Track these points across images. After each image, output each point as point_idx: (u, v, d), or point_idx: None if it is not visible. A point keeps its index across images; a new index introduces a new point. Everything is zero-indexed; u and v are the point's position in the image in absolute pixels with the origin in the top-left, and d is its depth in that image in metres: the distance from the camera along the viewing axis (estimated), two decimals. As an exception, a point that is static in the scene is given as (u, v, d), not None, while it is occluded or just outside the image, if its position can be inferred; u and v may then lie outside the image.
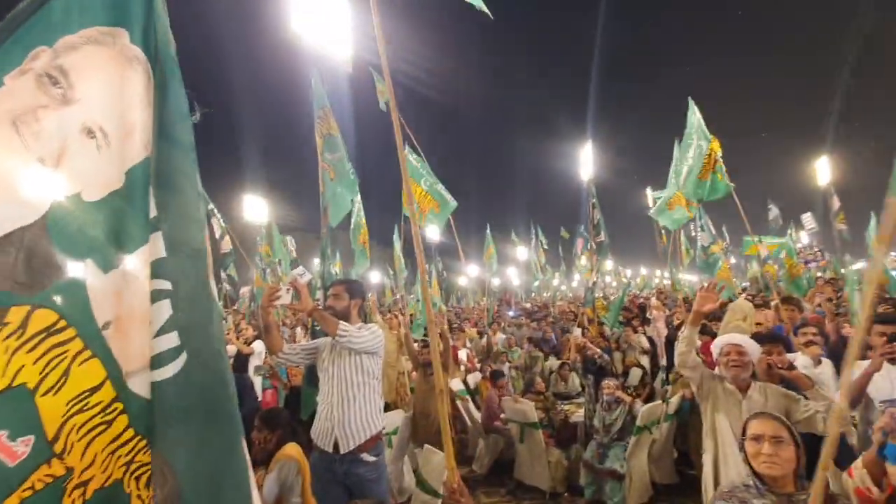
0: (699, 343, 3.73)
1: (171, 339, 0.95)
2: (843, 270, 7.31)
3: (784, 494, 1.68)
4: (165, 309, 0.95)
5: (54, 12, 1.00)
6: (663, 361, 5.96)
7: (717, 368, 2.76)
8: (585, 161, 9.20)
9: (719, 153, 5.30)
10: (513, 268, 23.32)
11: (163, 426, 0.94)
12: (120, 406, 0.98)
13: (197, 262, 1.01)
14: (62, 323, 0.94)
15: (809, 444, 1.89)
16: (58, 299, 0.94)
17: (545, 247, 16.63)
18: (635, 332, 6.58)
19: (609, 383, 4.43)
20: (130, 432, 0.99)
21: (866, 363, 2.69)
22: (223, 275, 8.69)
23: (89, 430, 0.95)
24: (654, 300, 8.52)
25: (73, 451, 0.93)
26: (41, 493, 0.90)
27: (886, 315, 3.50)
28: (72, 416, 0.93)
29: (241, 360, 5.45)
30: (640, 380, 5.39)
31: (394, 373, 5.38)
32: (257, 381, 5.55)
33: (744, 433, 1.85)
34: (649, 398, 4.96)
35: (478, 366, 6.66)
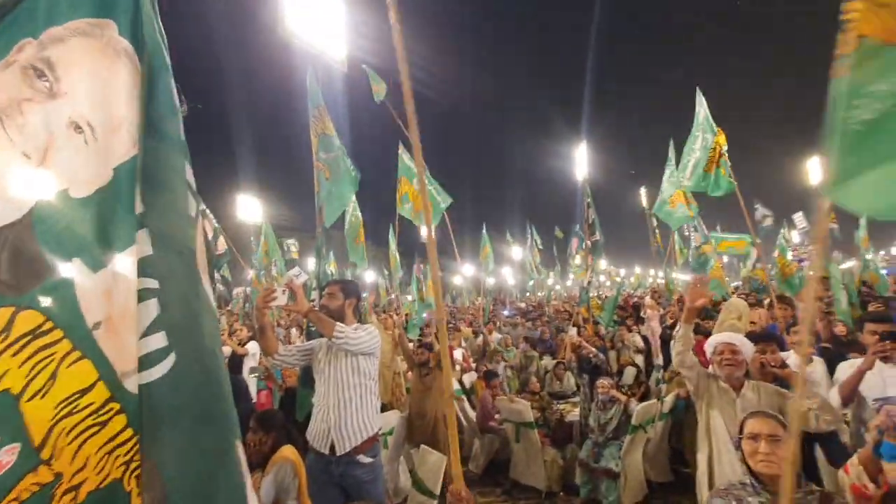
0: (694, 341, 3.75)
1: (159, 340, 0.91)
2: (831, 269, 7.36)
3: (779, 493, 1.68)
4: (152, 308, 0.92)
5: (41, 3, 0.97)
6: (658, 360, 5.98)
7: (711, 367, 2.78)
8: (580, 161, 9.23)
9: (724, 147, 5.28)
10: (507, 267, 23.35)
11: (151, 429, 0.90)
12: (116, 406, 0.95)
13: (186, 259, 0.97)
14: (49, 324, 0.90)
15: (801, 442, 1.90)
16: (44, 300, 0.91)
17: (540, 246, 16.66)
18: (629, 331, 6.61)
19: (604, 382, 4.44)
20: (129, 432, 0.96)
21: (859, 361, 2.71)
22: (217, 275, 8.62)
23: (80, 433, 0.92)
24: (648, 299, 8.56)
25: (62, 455, 0.90)
26: (28, 502, 0.87)
27: (878, 314, 3.54)
28: (60, 419, 0.90)
29: (236, 362, 5.41)
30: (634, 379, 5.41)
31: (389, 373, 5.36)
32: (252, 383, 5.51)
33: (741, 431, 1.86)
34: (644, 397, 4.98)
35: (473, 365, 6.65)
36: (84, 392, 0.92)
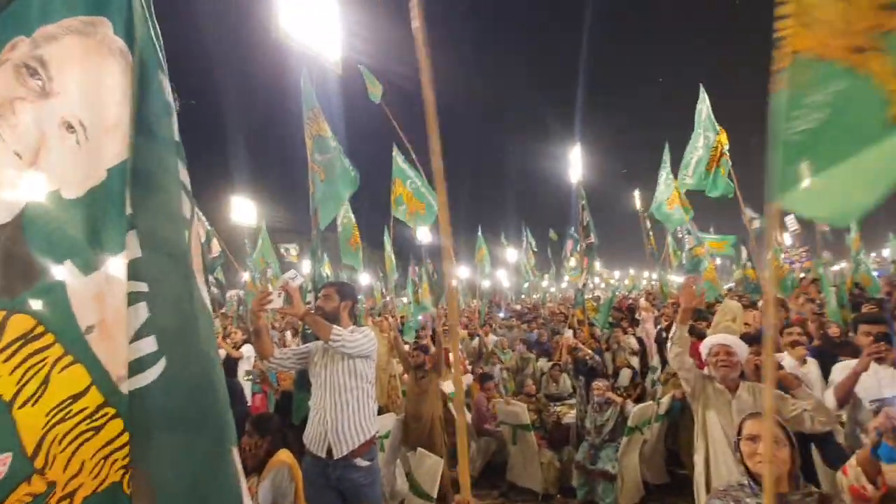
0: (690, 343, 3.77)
1: (149, 344, 0.89)
2: (820, 271, 7.42)
3: (778, 494, 1.68)
4: (142, 312, 0.90)
5: (34, 1, 0.96)
6: (653, 362, 6.00)
7: (706, 369, 2.79)
8: (574, 163, 9.25)
9: (726, 146, 5.24)
10: (502, 269, 23.36)
11: (141, 435, 0.88)
12: (111, 411, 0.92)
13: (178, 261, 0.95)
14: (40, 328, 0.88)
15: (798, 444, 1.90)
16: (35, 304, 0.88)
17: (535, 248, 16.69)
18: (625, 333, 6.62)
19: (599, 384, 4.44)
20: (127, 436, 0.94)
21: (853, 363, 2.73)
22: (211, 278, 8.54)
23: (74, 439, 0.89)
24: (643, 301, 8.59)
25: (56, 463, 0.87)
26: None
27: (872, 315, 3.56)
28: (53, 426, 0.88)
29: (230, 364, 5.36)
30: (630, 380, 5.42)
31: (385, 376, 5.34)
32: (246, 386, 5.46)
33: (739, 433, 1.86)
34: (640, 399, 4.98)
35: (469, 367, 6.64)
36: (77, 397, 0.90)
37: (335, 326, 2.51)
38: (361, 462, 2.51)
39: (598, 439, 4.27)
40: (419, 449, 3.89)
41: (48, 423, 0.88)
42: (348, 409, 2.53)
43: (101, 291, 0.93)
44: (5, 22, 0.94)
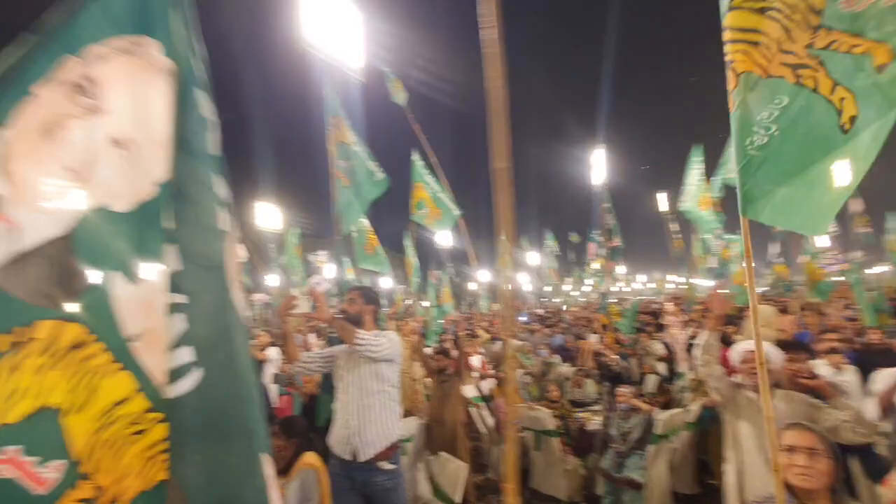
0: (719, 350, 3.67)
1: (186, 354, 0.91)
2: (854, 274, 7.11)
3: None
4: (181, 322, 0.92)
5: (83, 21, 1.00)
6: (681, 368, 5.85)
7: (736, 376, 2.71)
8: (597, 165, 9.14)
9: None
10: (523, 273, 23.21)
11: (176, 446, 0.90)
12: (158, 415, 0.96)
13: (215, 274, 0.98)
14: (90, 337, 0.93)
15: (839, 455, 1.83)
16: (85, 312, 0.93)
17: (556, 252, 16.53)
18: (651, 338, 6.48)
19: (623, 391, 4.35)
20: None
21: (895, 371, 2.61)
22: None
23: (118, 444, 0.93)
24: (669, 306, 8.40)
25: (102, 468, 0.91)
26: None
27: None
28: (99, 431, 0.92)
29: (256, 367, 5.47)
30: (657, 387, 5.30)
31: (407, 379, 5.36)
32: (272, 388, 5.57)
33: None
34: (667, 405, 4.87)
35: (491, 372, 6.61)
36: (121, 403, 0.94)
37: (360, 330, 2.55)
38: (386, 465, 2.53)
39: (624, 447, 4.18)
40: (442, 453, 3.89)
41: (95, 429, 0.92)
42: (373, 413, 2.55)
43: (146, 301, 0.97)
44: (55, 42, 0.99)
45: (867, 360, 3.52)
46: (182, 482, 0.86)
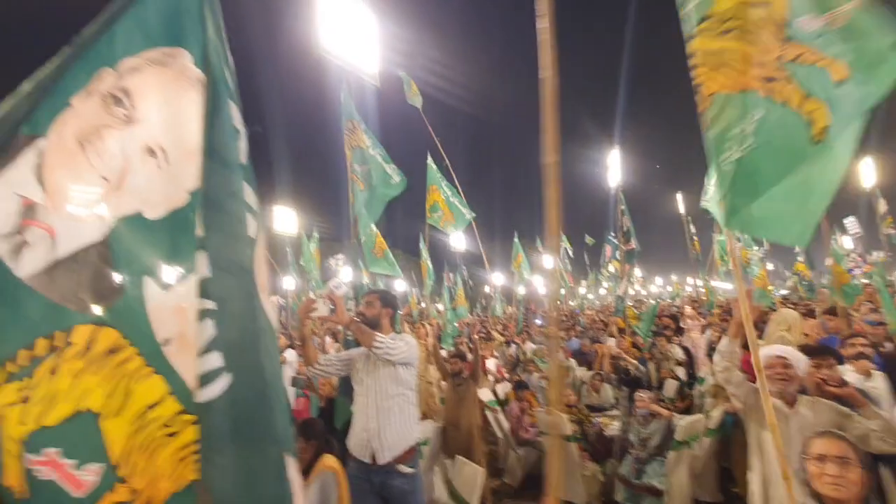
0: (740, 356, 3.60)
1: (215, 360, 0.92)
2: (876, 277, 6.88)
3: None
4: (210, 328, 0.93)
5: (118, 35, 1.04)
6: (701, 372, 5.75)
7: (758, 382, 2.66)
8: (613, 167, 9.06)
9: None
10: (537, 276, 23.03)
11: (206, 449, 0.91)
12: (189, 417, 0.98)
13: (243, 281, 0.99)
14: (124, 341, 0.95)
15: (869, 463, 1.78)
16: (120, 317, 0.96)
17: (571, 255, 16.41)
18: (669, 341, 6.39)
19: (642, 396, 4.29)
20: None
21: None
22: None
23: (151, 447, 0.95)
24: (688, 309, 8.26)
25: (137, 471, 0.93)
26: None
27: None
28: (135, 435, 0.94)
29: (274, 369, 5.53)
30: (677, 392, 5.22)
31: (422, 382, 5.36)
32: (290, 391, 5.63)
33: (805, 451, 1.76)
34: (686, 411, 4.79)
35: (507, 375, 6.58)
36: (154, 406, 0.96)
37: (378, 334, 2.57)
38: (404, 469, 2.54)
39: (643, 453, 4.13)
40: (458, 457, 3.88)
41: (130, 432, 0.94)
42: (391, 416, 2.57)
43: (179, 306, 1.00)
44: (92, 56, 1.03)
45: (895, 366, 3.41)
46: (210, 485, 0.87)
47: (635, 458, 4.16)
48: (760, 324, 5.03)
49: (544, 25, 1.44)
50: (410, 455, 2.58)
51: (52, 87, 1.01)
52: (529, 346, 8.00)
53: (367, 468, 2.54)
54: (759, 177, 1.82)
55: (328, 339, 8.15)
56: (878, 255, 12.61)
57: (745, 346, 3.83)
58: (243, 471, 0.91)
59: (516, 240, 10.91)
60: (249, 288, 0.99)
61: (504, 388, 6.16)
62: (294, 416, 5.04)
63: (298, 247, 9.86)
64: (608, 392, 5.82)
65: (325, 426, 2.87)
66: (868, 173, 12.03)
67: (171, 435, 0.97)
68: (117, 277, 0.97)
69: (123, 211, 1.00)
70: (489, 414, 5.36)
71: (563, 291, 17.36)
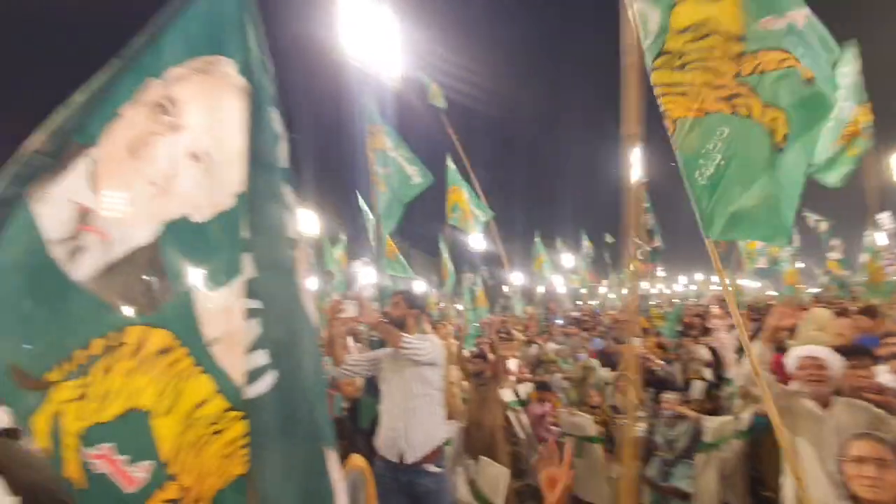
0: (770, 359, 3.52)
1: (262, 357, 0.96)
2: None
3: None
4: (257, 327, 0.97)
5: (163, 46, 1.08)
6: (729, 374, 5.62)
7: (790, 383, 2.60)
8: (635, 164, 8.92)
9: (865, 123, 4.31)
10: (557, 275, 22.79)
11: (255, 444, 0.94)
12: (237, 414, 1.00)
13: (287, 280, 1.03)
14: (174, 342, 0.99)
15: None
16: (170, 318, 1.00)
17: (591, 254, 16.21)
18: (695, 342, 6.26)
19: (668, 397, 4.23)
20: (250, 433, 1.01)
21: None
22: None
23: (199, 444, 0.98)
24: (715, 308, 8.07)
25: (186, 469, 0.97)
26: None
27: None
28: (184, 433, 0.98)
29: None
30: (704, 393, 5.12)
31: (444, 383, 5.37)
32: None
33: (841, 453, 1.73)
34: (714, 413, 4.68)
35: (528, 375, 6.54)
36: (202, 404, 1.00)
37: (404, 334, 2.60)
38: (432, 468, 2.56)
39: (670, 455, 4.06)
40: (481, 457, 3.88)
41: (180, 431, 0.98)
42: (418, 416, 2.59)
43: (227, 306, 1.03)
44: (139, 68, 1.08)
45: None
46: (258, 478, 0.91)
47: (662, 460, 4.09)
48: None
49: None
50: (437, 454, 2.61)
51: (102, 98, 1.06)
52: (551, 346, 7.93)
53: (395, 467, 2.57)
54: (732, 186, 1.98)
55: (350, 340, 8.23)
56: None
57: (778, 349, 3.75)
58: (289, 465, 0.94)
59: (537, 239, 10.86)
60: (292, 288, 1.03)
61: (526, 389, 6.12)
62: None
63: (320, 249, 9.99)
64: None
65: (352, 425, 2.92)
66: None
67: (217, 432, 1.00)
68: (167, 279, 1.01)
69: (171, 214, 1.05)
70: (511, 414, 5.34)
71: (583, 291, 17.17)
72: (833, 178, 4.55)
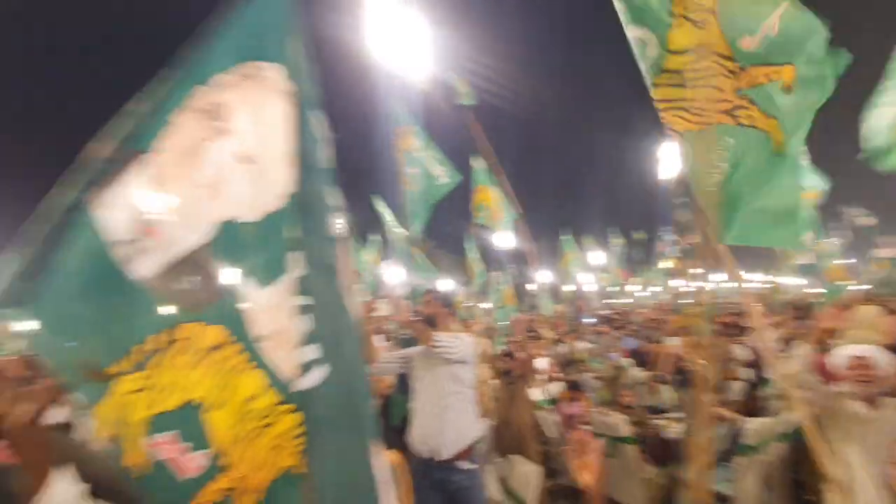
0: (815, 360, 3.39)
1: (313, 351, 1.00)
2: None
3: None
4: (308, 322, 1.01)
5: (211, 54, 1.14)
6: (770, 374, 5.41)
7: (836, 384, 2.50)
8: (665, 158, 8.70)
9: None
10: (585, 273, 22.43)
11: (309, 437, 0.99)
12: (288, 407, 1.05)
13: (331, 277, 1.07)
14: (228, 338, 1.05)
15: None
16: (224, 315, 1.06)
17: (621, 251, 15.90)
18: (732, 341, 6.06)
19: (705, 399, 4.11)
20: (299, 425, 1.05)
21: None
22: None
23: (251, 437, 1.04)
24: (756, 307, 7.77)
25: (240, 461, 1.02)
26: None
27: None
28: (237, 426, 1.03)
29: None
30: (742, 394, 4.96)
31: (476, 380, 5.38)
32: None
33: (891, 456, 1.65)
34: (753, 414, 4.53)
35: (558, 375, 6.48)
36: (254, 398, 1.05)
37: (436, 332, 2.63)
38: (465, 465, 2.59)
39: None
40: (512, 455, 3.88)
41: (233, 424, 1.03)
42: (451, 413, 2.62)
43: (276, 304, 1.08)
44: (187, 76, 1.14)
45: None
46: (313, 470, 0.95)
47: (699, 462, 3.98)
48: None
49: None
50: (470, 451, 2.63)
51: (155, 106, 1.13)
52: (581, 345, 7.83)
53: (428, 464, 2.60)
54: (740, 193, 2.07)
55: (378, 338, 8.34)
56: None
57: (822, 349, 3.59)
58: (340, 456, 0.98)
59: (565, 237, 10.73)
60: (336, 285, 1.08)
61: (556, 388, 6.07)
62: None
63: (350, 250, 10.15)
64: (666, 394, 5.61)
65: (383, 422, 2.98)
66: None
67: (268, 426, 1.05)
68: (221, 278, 1.07)
69: (223, 216, 1.10)
70: (540, 413, 5.30)
71: (613, 289, 16.85)
72: (891, 162, 4.25)
